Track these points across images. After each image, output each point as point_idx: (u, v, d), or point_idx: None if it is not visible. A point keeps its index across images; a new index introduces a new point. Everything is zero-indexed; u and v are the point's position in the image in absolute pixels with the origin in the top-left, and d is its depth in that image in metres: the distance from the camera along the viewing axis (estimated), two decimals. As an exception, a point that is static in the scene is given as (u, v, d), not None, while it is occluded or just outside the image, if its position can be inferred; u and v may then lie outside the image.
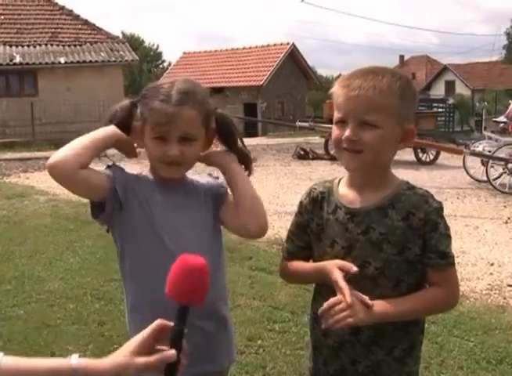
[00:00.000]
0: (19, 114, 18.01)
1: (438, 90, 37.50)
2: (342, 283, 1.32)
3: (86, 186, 1.40)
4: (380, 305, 1.34)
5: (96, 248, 5.17)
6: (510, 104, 12.26)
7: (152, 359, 1.01)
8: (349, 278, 1.34)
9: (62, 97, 18.17)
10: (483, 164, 9.28)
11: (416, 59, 45.83)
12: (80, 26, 21.07)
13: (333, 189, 1.49)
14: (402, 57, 47.53)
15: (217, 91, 23.71)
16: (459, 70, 40.05)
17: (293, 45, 27.49)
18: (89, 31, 20.92)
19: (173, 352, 1.02)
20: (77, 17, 21.56)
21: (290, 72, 27.33)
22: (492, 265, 4.84)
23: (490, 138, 10.08)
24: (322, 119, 13.96)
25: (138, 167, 1.60)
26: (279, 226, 6.16)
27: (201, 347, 1.47)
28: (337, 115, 1.40)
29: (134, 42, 39.29)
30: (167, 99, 1.41)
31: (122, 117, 1.48)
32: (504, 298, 4.07)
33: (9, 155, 14.54)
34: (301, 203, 1.54)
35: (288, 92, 27.37)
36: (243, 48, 28.92)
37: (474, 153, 9.14)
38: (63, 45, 19.98)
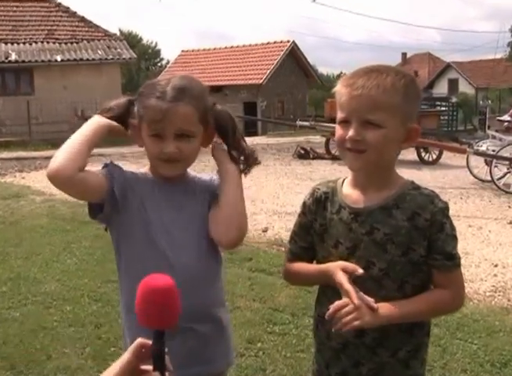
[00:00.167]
0: (15, 113, 17.91)
1: (441, 88, 37.34)
2: (348, 286, 1.31)
3: (86, 189, 1.40)
4: (385, 308, 1.33)
5: (94, 249, 5.15)
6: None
7: None
8: (353, 279, 1.34)
9: (58, 96, 18.05)
10: (487, 163, 9.23)
11: (419, 56, 45.75)
12: (77, 23, 20.98)
13: (337, 189, 1.48)
14: (404, 55, 47.53)
15: (216, 89, 23.70)
16: (463, 67, 39.92)
17: (294, 42, 27.44)
18: (86, 29, 20.85)
19: (156, 374, 0.99)
20: (74, 14, 21.48)
21: (291, 70, 27.30)
22: (495, 266, 4.82)
23: (494, 137, 10.07)
24: (323, 118, 13.92)
25: (136, 166, 1.59)
26: (280, 227, 6.13)
27: (196, 349, 1.47)
28: (340, 115, 1.39)
29: (132, 40, 39.28)
30: (162, 95, 1.40)
31: (119, 114, 1.47)
32: (508, 300, 4.03)
33: (4, 154, 14.49)
34: (304, 203, 1.53)
35: (288, 90, 27.34)
36: (243, 46, 28.89)
37: (478, 153, 9.09)
38: (60, 43, 19.91)
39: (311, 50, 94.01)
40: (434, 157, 12.11)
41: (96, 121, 1.45)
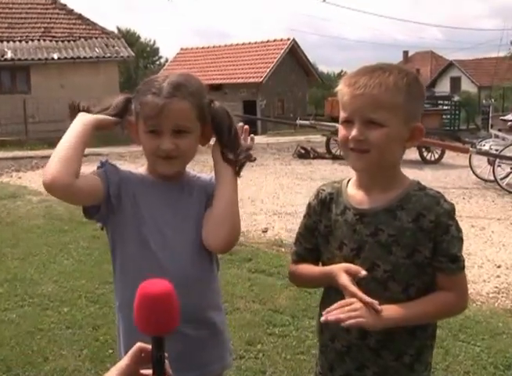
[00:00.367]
0: (11, 112, 17.68)
1: (444, 87, 37.10)
2: (353, 288, 1.31)
3: (84, 195, 1.38)
4: (389, 310, 1.32)
5: (91, 250, 5.12)
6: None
7: None
8: (357, 281, 1.34)
9: (55, 94, 17.81)
10: (490, 163, 9.17)
11: (421, 54, 45.60)
12: (74, 21, 20.77)
13: (342, 189, 1.47)
14: (405, 53, 47.25)
15: (215, 88, 23.65)
16: (465, 66, 39.62)
17: (294, 40, 27.34)
18: (83, 26, 20.65)
19: None
20: (71, 12, 21.28)
21: (291, 69, 27.23)
22: (499, 267, 4.79)
23: (497, 136, 10.03)
24: (324, 117, 13.88)
25: (133, 166, 1.57)
26: (280, 227, 6.11)
27: (189, 353, 1.45)
28: (342, 115, 1.38)
29: (130, 38, 39.20)
30: (158, 91, 1.38)
31: (117, 112, 1.45)
32: (512, 302, 4.00)
33: (0, 154, 14.39)
34: (309, 204, 1.53)
35: (288, 89, 27.28)
36: (243, 44, 28.79)
37: (481, 152, 9.04)
38: (57, 41, 19.73)
39: (312, 48, 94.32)
40: (437, 156, 12.07)
41: (80, 121, 1.41)
